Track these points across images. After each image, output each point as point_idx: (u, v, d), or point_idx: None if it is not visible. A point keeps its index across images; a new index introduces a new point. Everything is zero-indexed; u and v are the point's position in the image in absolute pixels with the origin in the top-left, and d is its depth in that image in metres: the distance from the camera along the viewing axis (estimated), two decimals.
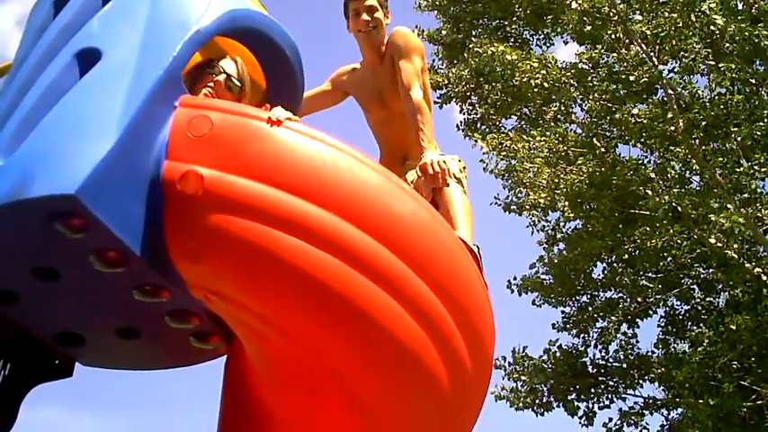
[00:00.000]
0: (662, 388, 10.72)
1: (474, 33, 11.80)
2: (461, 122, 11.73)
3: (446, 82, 11.45)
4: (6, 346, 2.34)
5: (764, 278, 9.28)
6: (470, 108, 11.57)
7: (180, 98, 2.23)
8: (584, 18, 10.14)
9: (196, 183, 2.07)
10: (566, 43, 11.92)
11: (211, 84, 2.50)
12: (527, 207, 10.82)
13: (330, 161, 2.15)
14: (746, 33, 8.88)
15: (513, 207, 10.90)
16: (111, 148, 1.99)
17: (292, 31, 2.60)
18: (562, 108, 11.09)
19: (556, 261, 11.11)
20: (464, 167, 3.20)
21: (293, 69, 2.64)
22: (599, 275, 11.12)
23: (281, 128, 2.17)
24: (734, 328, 9.05)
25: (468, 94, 11.36)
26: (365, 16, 3.23)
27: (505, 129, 11.45)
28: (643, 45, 9.93)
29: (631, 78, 10.08)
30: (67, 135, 2.03)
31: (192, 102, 2.24)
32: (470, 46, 11.03)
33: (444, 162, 2.95)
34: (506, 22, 11.99)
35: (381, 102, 3.35)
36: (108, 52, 2.21)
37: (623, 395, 10.81)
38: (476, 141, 10.68)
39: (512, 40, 11.97)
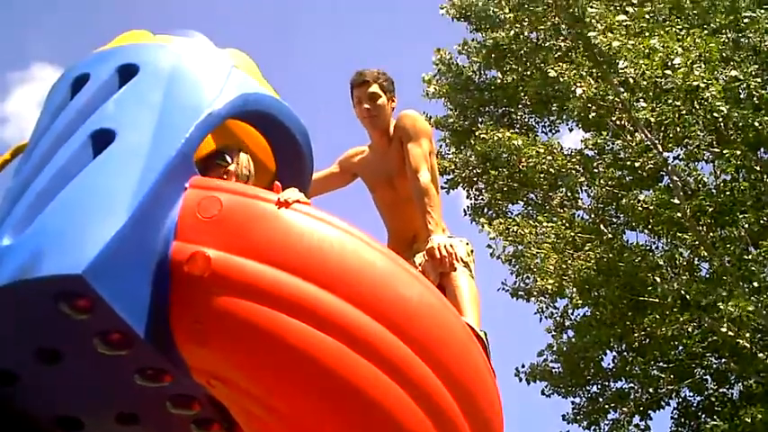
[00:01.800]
0: None
1: (480, 120, 11.99)
2: (468, 207, 11.80)
3: (453, 167, 11.58)
4: (3, 428, 2.31)
5: None
6: (477, 193, 11.65)
7: (191, 179, 2.27)
8: (589, 105, 10.34)
9: (203, 264, 2.08)
10: (571, 130, 12.23)
11: (224, 176, 2.56)
12: (535, 293, 10.75)
13: (338, 244, 2.17)
14: (750, 120, 9.03)
15: (520, 293, 10.83)
16: (120, 229, 2.01)
17: (303, 114, 2.68)
18: (568, 194, 11.17)
19: (565, 349, 10.97)
20: (471, 251, 3.21)
21: (303, 152, 2.69)
22: (609, 364, 10.95)
23: (290, 210, 2.20)
24: (749, 420, 8.84)
25: (475, 179, 11.47)
26: (366, 105, 3.31)
27: (512, 214, 11.49)
28: (647, 132, 10.08)
29: (636, 165, 10.19)
30: (78, 214, 2.06)
31: (202, 183, 2.28)
32: (477, 132, 11.22)
33: (452, 246, 2.97)
34: (512, 109, 12.21)
35: (390, 184, 3.39)
36: (122, 133, 2.26)
37: None
38: (482, 226, 10.72)
39: (518, 126, 12.17)
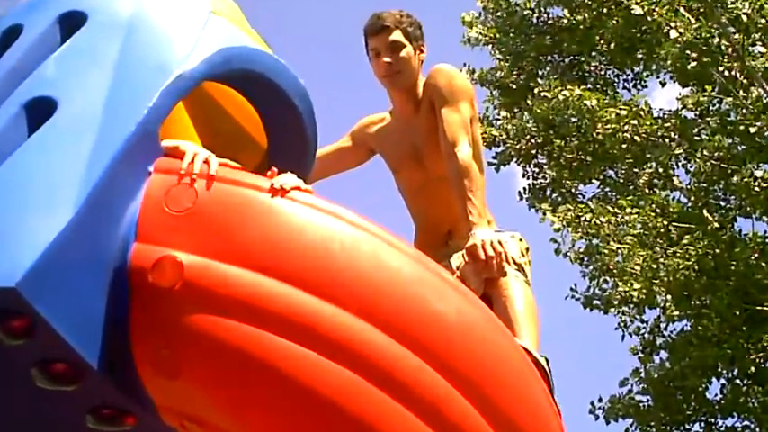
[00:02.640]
0: None
1: (541, 74, 11.97)
2: (525, 189, 11.80)
3: (504, 137, 11.58)
4: None
5: None
6: (536, 171, 11.63)
7: (156, 161, 2.29)
8: (688, 51, 10.26)
9: (174, 272, 2.11)
10: (663, 84, 12.03)
11: None
12: (615, 302, 10.72)
13: (349, 244, 2.18)
14: None
15: (596, 302, 10.80)
16: (64, 228, 2.02)
17: (304, 74, 2.68)
18: (660, 170, 11.11)
19: (656, 376, 10.93)
20: (527, 249, 3.22)
21: (303, 124, 2.70)
22: (716, 395, 10.90)
23: (287, 200, 2.22)
24: None
25: (534, 152, 11.46)
26: (386, 58, 3.31)
27: (584, 197, 11.47)
28: (767, 86, 9.99)
29: (752, 130, 10.09)
30: (9, 209, 2.08)
31: (171, 166, 2.30)
32: (536, 89, 11.17)
33: (500, 243, 2.98)
34: (583, 59, 12.17)
35: (417, 162, 3.40)
36: (65, 103, 2.28)
37: None
38: (544, 214, 10.70)
39: (591, 80, 12.12)
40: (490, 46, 12.15)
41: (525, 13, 12.06)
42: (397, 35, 3.31)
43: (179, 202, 2.20)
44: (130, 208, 2.20)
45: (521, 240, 3.23)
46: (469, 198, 3.06)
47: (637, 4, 10.35)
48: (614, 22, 11.20)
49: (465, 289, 2.39)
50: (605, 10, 11.55)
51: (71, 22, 2.48)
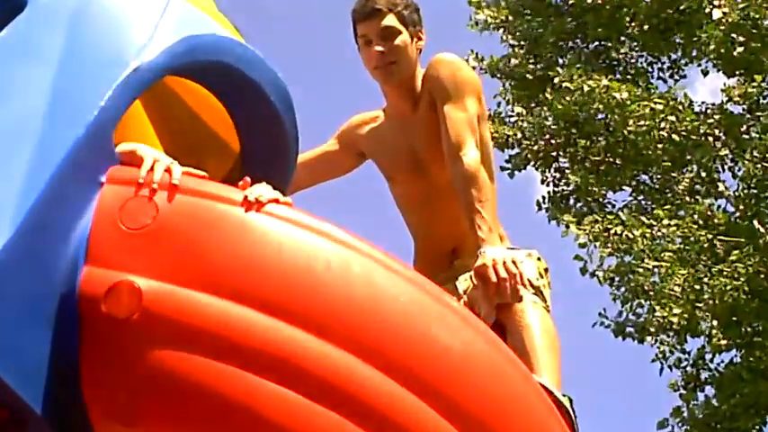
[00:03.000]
0: None
1: (561, 62, 11.98)
2: (544, 198, 11.81)
3: (519, 136, 11.59)
4: None
5: None
6: (558, 176, 11.63)
7: (109, 170, 2.30)
8: (733, 35, 10.29)
9: (131, 300, 2.11)
10: (705, 74, 12.07)
11: None
12: (652, 329, 10.73)
13: (337, 266, 2.18)
14: None
15: (629, 329, 10.81)
16: (1, 249, 2.03)
17: (282, 66, 2.70)
18: (702, 174, 11.13)
19: (701, 416, 10.92)
20: (546, 270, 3.23)
21: (282, 125, 2.72)
22: None
23: (263, 214, 2.23)
24: None
25: (555, 154, 11.45)
26: (378, 46, 3.32)
27: (614, 207, 11.48)
28: None
29: None
30: None
31: (127, 176, 2.30)
32: (556, 79, 11.19)
33: (515, 262, 2.99)
34: (611, 44, 12.19)
35: (417, 169, 3.41)
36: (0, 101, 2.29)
37: None
38: (567, 227, 10.71)
39: (620, 69, 12.14)
40: (502, 30, 12.18)
41: None
42: (390, 20, 3.32)
43: (136, 217, 2.21)
44: (79, 226, 2.20)
45: (539, 260, 3.23)
46: (478, 210, 3.08)
47: None
48: (646, 0, 11.23)
49: (473, 317, 2.40)
50: None
51: (8, 7, 2.49)
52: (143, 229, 2.19)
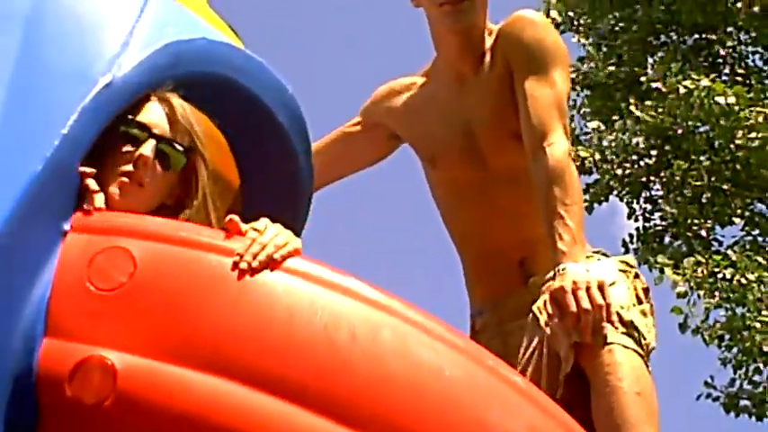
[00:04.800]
0: None
1: (652, 60, 11.93)
2: (632, 236, 11.75)
3: (598, 158, 11.53)
4: None
5: None
6: (649, 208, 11.58)
7: (74, 215, 2.30)
8: None
9: (102, 381, 2.11)
10: None
11: (128, 167, 2.55)
12: None
13: (364, 333, 2.18)
14: None
15: (744, 402, 10.72)
16: None
17: (291, 75, 2.71)
18: None
19: None
20: (646, 291, 3.17)
21: (292, 151, 2.73)
22: None
23: (266, 273, 2.23)
24: None
25: (645, 179, 11.40)
26: None
27: (722, 245, 11.42)
28: None
29: None
30: None
31: (96, 223, 2.31)
32: (644, 80, 11.16)
33: (602, 288, 2.90)
34: (714, 36, 12.16)
35: (471, 149, 3.32)
36: None
37: None
38: (662, 272, 10.64)
39: (726, 67, 12.10)
40: (574, 31, 12.14)
41: None
42: None
43: (109, 275, 2.21)
44: (37, 287, 2.20)
45: (636, 277, 3.18)
46: (560, 215, 2.99)
47: None
48: None
49: (540, 396, 2.37)
50: None
51: None
52: (117, 289, 2.19)
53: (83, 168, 2.37)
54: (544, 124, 3.13)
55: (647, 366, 2.99)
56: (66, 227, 2.28)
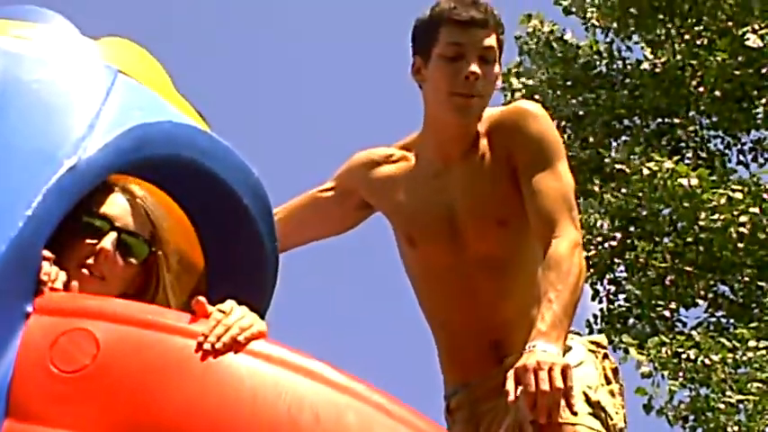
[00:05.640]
0: None
1: (615, 144, 11.97)
2: (596, 317, 11.75)
3: None
4: None
5: None
6: (613, 289, 11.57)
7: (37, 298, 2.29)
8: None
9: None
10: None
11: (89, 261, 2.56)
12: None
13: (328, 416, 2.16)
14: None
15: None
16: None
17: (261, 162, 2.72)
18: None
19: None
20: (615, 371, 3.16)
21: (257, 233, 2.72)
22: None
23: (231, 357, 2.22)
24: None
25: (609, 261, 11.39)
26: (474, 67, 3.17)
27: (685, 326, 11.41)
28: None
29: None
30: None
31: (58, 304, 2.30)
32: (608, 161, 11.21)
33: (565, 373, 2.82)
34: (677, 119, 12.23)
35: (453, 235, 3.25)
36: None
37: None
38: (626, 352, 10.64)
39: (688, 151, 12.15)
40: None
41: (586, 59, 12.16)
42: (493, 40, 3.21)
43: (72, 357, 2.20)
44: None
45: (605, 357, 3.18)
46: (550, 299, 2.93)
47: (754, 32, 10.45)
48: (718, 60, 11.25)
49: None
50: (704, 41, 11.62)
51: None
52: (80, 371, 2.18)
53: (45, 252, 2.37)
54: (553, 218, 3.11)
55: None
56: (29, 308, 2.27)
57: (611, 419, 3.03)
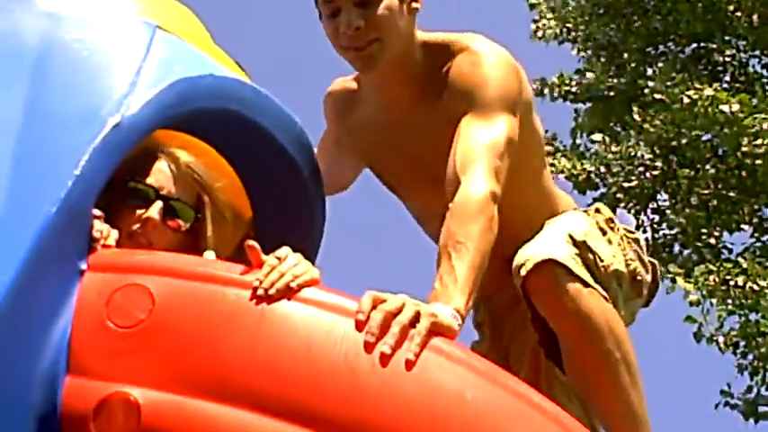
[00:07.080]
0: None
1: (650, 72, 11.86)
2: (645, 245, 11.64)
3: (603, 171, 11.43)
4: None
5: None
6: (657, 218, 11.51)
7: (91, 256, 2.32)
8: None
9: (127, 418, 2.11)
10: None
11: (137, 226, 2.59)
12: None
13: (389, 370, 2.17)
14: None
15: (763, 408, 10.62)
16: None
17: (298, 106, 2.72)
18: None
19: None
20: (608, 220, 3.23)
21: (302, 181, 2.75)
22: None
23: (286, 303, 2.24)
24: None
25: (651, 191, 11.29)
26: (346, 20, 2.97)
27: (731, 252, 11.35)
28: None
29: None
30: None
31: (111, 260, 2.32)
32: (646, 91, 11.12)
33: (414, 326, 2.36)
34: (713, 44, 12.12)
35: (431, 179, 3.08)
36: None
37: None
38: (673, 282, 10.57)
39: (727, 76, 12.05)
40: (572, 42, 12.09)
41: None
42: None
43: (128, 312, 2.22)
44: (56, 327, 2.21)
45: (597, 211, 3.24)
46: (449, 253, 2.65)
47: None
48: None
49: (564, 416, 2.35)
50: None
51: None
52: (137, 326, 2.20)
53: (95, 211, 2.39)
54: (467, 160, 2.87)
55: (606, 298, 3.02)
56: (83, 266, 2.30)
57: (601, 261, 3.05)
